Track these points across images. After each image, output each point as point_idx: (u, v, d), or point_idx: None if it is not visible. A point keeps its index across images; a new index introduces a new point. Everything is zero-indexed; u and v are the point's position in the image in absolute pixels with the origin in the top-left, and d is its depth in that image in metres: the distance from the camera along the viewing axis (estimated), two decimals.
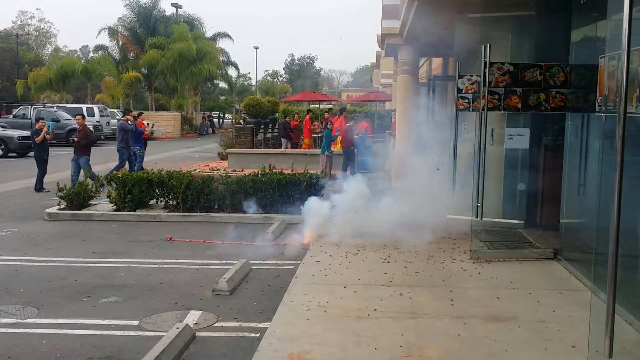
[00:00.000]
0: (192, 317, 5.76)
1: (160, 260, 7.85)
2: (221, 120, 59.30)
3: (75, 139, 13.30)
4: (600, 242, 3.91)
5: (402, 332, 4.95)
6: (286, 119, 23.38)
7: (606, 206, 3.40)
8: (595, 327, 3.80)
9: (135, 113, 17.29)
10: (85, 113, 32.00)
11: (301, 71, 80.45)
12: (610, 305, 3.24)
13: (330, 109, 25.24)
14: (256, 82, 68.95)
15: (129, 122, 15.14)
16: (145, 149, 16.73)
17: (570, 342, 4.75)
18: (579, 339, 4.68)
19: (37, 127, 13.86)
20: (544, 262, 7.30)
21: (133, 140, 15.26)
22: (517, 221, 8.84)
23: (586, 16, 6.87)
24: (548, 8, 8.09)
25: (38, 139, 13.62)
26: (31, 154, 16.13)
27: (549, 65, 7.23)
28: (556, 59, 7.38)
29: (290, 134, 21.59)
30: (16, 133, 23.56)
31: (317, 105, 31.33)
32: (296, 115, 24.21)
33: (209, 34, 46.99)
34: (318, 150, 17.44)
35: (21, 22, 67.03)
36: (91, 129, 13.92)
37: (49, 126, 13.89)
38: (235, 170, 12.24)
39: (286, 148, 20.48)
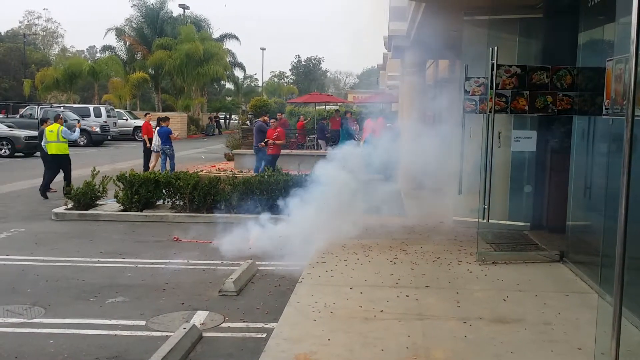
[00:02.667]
0: (199, 317, 5.79)
1: (167, 261, 7.88)
2: (227, 121, 59.40)
3: None
4: (607, 245, 3.90)
5: (408, 334, 4.95)
6: (323, 121, 22.91)
7: (613, 208, 3.40)
8: (601, 330, 3.80)
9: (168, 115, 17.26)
10: (92, 113, 32.63)
11: (308, 72, 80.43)
12: (617, 307, 3.24)
13: (336, 111, 25.15)
14: (263, 83, 69.04)
15: (268, 124, 15.30)
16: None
17: (576, 344, 4.75)
18: (585, 341, 4.68)
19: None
20: (550, 264, 7.29)
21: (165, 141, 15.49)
22: (523, 223, 8.83)
23: (594, 19, 6.86)
24: (556, 11, 8.08)
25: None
26: (38, 154, 16.19)
27: (557, 68, 7.21)
28: (563, 62, 7.37)
29: (327, 136, 21.09)
30: (23, 133, 23.63)
31: (323, 107, 31.35)
32: (301, 117, 24.19)
33: (215, 35, 47.23)
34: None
35: (28, 22, 67.60)
36: None
37: None
38: (241, 171, 12.27)
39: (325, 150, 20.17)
